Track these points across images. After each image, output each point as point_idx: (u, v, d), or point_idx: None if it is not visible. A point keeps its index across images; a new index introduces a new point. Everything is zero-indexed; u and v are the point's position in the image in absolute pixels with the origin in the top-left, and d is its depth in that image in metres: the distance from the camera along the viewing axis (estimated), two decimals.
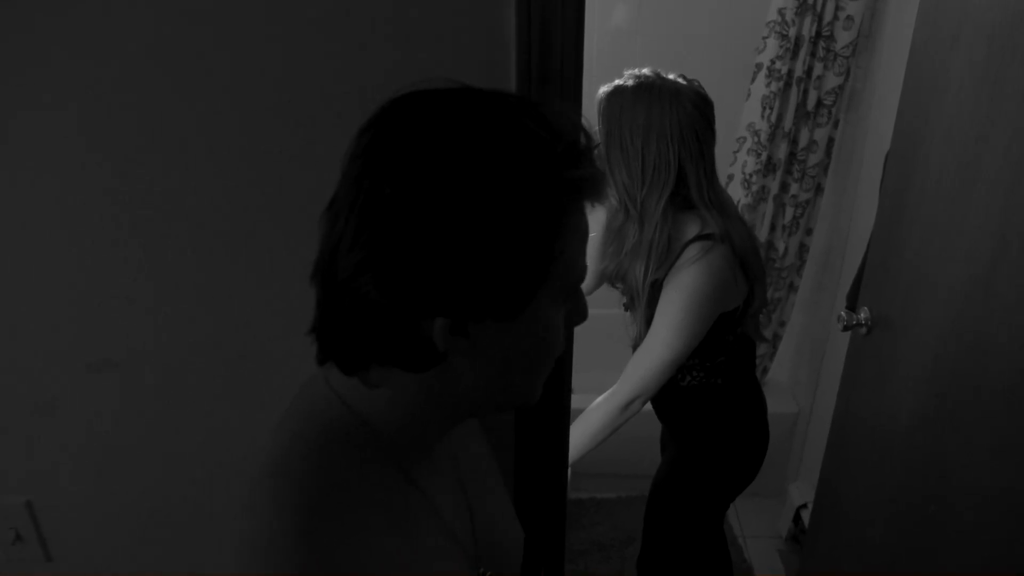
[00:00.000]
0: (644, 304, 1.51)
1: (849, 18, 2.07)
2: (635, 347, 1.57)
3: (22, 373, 1.01)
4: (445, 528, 0.70)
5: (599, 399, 1.55)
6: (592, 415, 1.54)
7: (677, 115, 1.40)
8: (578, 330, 1.01)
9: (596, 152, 0.61)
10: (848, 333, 1.63)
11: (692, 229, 1.47)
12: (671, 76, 1.45)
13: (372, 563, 0.60)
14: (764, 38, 2.16)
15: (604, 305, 1.86)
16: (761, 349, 2.50)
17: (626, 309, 1.64)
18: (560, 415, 1.04)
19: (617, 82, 1.45)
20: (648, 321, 1.50)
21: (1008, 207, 1.12)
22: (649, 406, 1.73)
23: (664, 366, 1.47)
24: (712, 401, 1.61)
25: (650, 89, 1.41)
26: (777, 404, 2.56)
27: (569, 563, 2.32)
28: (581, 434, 1.53)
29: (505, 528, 0.81)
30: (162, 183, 0.90)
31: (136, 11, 0.81)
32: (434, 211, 0.54)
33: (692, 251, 1.44)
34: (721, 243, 1.43)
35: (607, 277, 1.65)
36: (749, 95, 2.24)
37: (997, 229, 1.14)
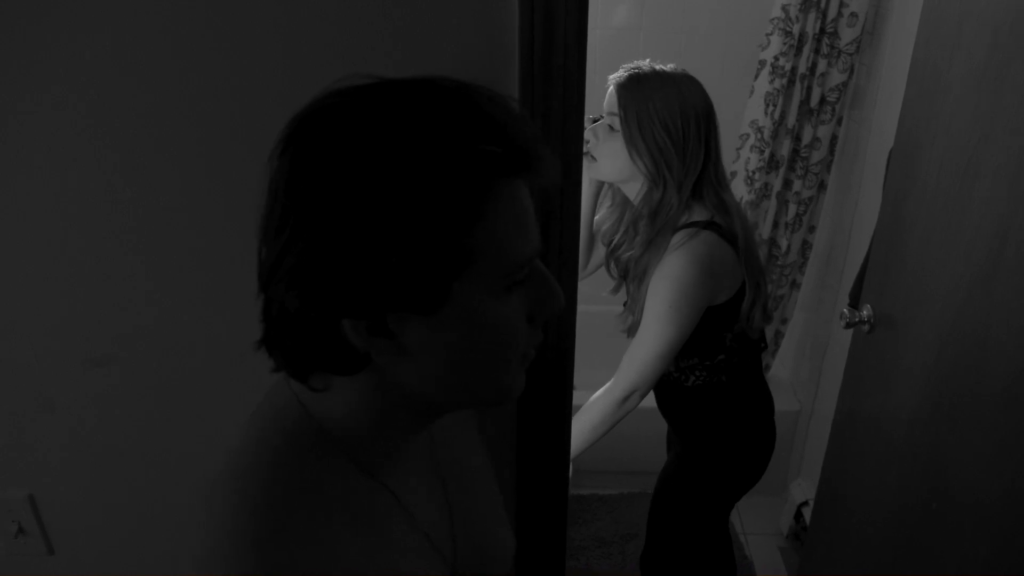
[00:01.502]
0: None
1: (853, 15, 2.06)
2: (629, 332, 1.58)
3: (23, 368, 1.02)
4: (417, 527, 0.69)
5: (596, 394, 1.55)
6: (590, 410, 1.54)
7: (702, 100, 1.44)
8: (580, 327, 1.02)
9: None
10: (850, 331, 1.63)
11: (684, 218, 1.48)
12: (668, 67, 1.48)
13: (334, 561, 0.60)
14: (768, 35, 2.15)
15: (606, 303, 1.86)
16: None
17: (624, 305, 1.65)
18: (562, 411, 1.04)
19: (630, 70, 1.47)
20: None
21: (1010, 205, 1.12)
22: (652, 403, 1.73)
23: (658, 358, 1.47)
24: (718, 400, 1.60)
25: (672, 75, 1.45)
26: (779, 402, 2.54)
27: (570, 559, 2.33)
28: (580, 430, 1.53)
29: (491, 532, 0.79)
30: (164, 181, 0.90)
31: (138, 14, 0.81)
32: (333, 202, 0.52)
33: (676, 239, 1.45)
34: (704, 230, 1.44)
35: (619, 266, 1.65)
36: (752, 92, 2.23)
37: (999, 227, 1.14)
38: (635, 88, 1.44)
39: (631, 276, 1.56)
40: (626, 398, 1.50)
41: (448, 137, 0.53)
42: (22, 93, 0.85)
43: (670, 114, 1.42)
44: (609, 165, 1.51)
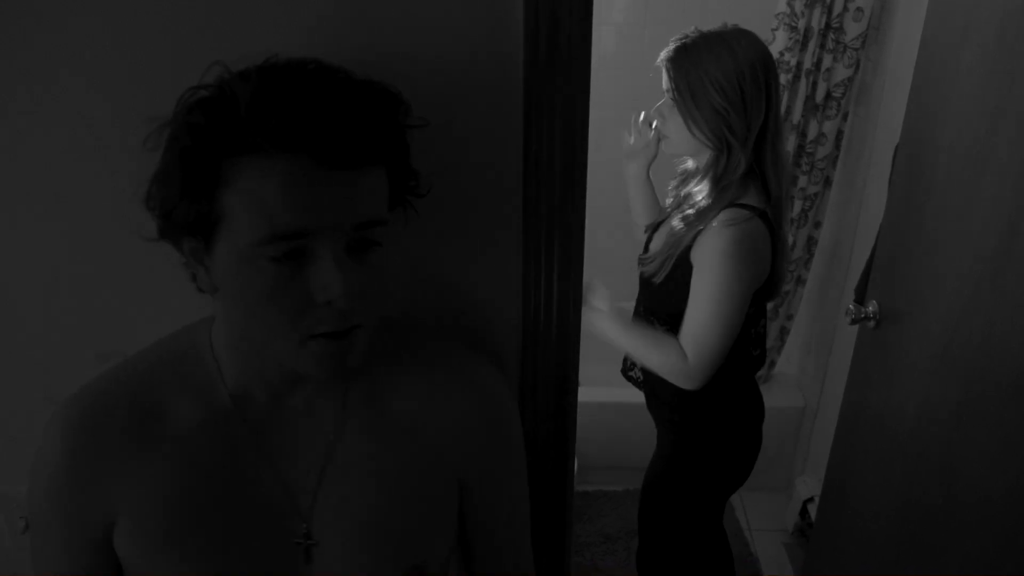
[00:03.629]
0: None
1: (859, 10, 2.06)
2: (643, 272, 1.58)
3: (30, 364, 1.02)
4: (270, 468, 0.77)
5: (672, 340, 1.48)
6: (661, 346, 1.48)
7: (756, 50, 1.45)
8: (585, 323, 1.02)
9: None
10: (856, 327, 1.63)
11: (736, 196, 1.46)
12: (717, 27, 1.49)
13: (180, 470, 0.74)
14: (773, 30, 2.15)
15: (609, 299, 1.86)
16: (768, 343, 2.49)
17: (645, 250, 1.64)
18: (566, 408, 1.04)
19: (677, 42, 1.48)
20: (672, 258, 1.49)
21: (1017, 199, 1.11)
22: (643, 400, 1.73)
23: (720, 338, 1.42)
24: (703, 398, 1.59)
25: (719, 34, 1.46)
26: (784, 398, 2.56)
27: (575, 555, 2.33)
28: (639, 343, 1.52)
29: (369, 520, 0.79)
30: None
31: (138, 13, 0.82)
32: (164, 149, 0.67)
33: (729, 215, 1.42)
34: (758, 218, 1.43)
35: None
36: None
37: (1006, 222, 1.14)
38: (683, 59, 1.45)
39: (668, 234, 1.54)
40: (690, 377, 1.45)
41: (200, 113, 0.64)
42: (24, 93, 0.85)
43: (724, 75, 1.41)
44: (680, 139, 1.52)
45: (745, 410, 1.65)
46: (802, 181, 2.29)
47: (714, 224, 1.42)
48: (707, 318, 1.43)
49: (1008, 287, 1.14)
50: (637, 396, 1.75)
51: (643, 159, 1.73)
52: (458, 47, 0.84)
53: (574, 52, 0.83)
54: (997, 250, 1.16)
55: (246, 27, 0.82)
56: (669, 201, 1.69)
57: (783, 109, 2.17)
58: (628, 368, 1.72)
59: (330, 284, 0.64)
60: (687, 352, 1.45)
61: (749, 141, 1.44)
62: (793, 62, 2.13)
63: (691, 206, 1.51)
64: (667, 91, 1.50)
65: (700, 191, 1.51)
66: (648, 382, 1.67)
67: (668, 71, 1.47)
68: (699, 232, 1.44)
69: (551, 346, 0.99)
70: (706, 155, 1.51)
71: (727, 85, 1.41)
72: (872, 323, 1.54)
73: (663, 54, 1.49)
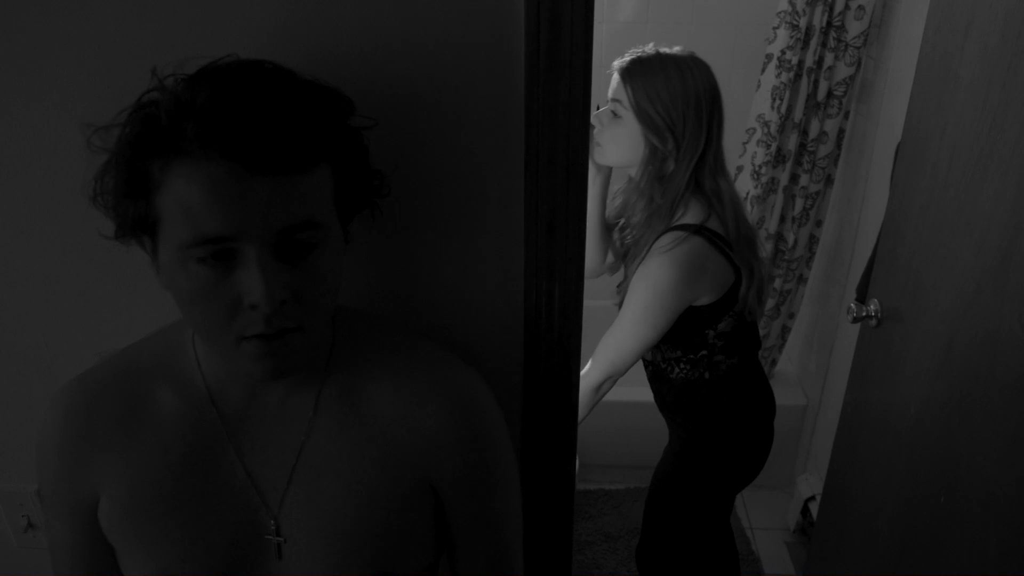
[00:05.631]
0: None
1: (860, 8, 2.05)
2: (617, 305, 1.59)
3: (33, 362, 1.02)
4: (241, 466, 0.78)
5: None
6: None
7: (707, 82, 1.44)
8: (586, 322, 1.02)
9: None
10: (858, 325, 1.63)
11: (676, 217, 1.47)
12: (675, 50, 1.48)
13: (151, 457, 0.76)
14: (774, 28, 2.14)
15: (612, 297, 1.86)
16: (769, 341, 2.49)
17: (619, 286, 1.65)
18: (567, 406, 1.04)
19: (633, 55, 1.48)
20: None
21: (1020, 197, 1.11)
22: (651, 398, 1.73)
23: (630, 352, 1.50)
24: (701, 396, 1.59)
25: (674, 57, 1.45)
26: (786, 396, 2.56)
27: (577, 553, 2.33)
28: None
29: (336, 518, 0.78)
30: None
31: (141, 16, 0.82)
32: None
33: (664, 241, 1.44)
34: (695, 235, 1.43)
35: (623, 247, 1.65)
36: (759, 86, 2.23)
37: (1009, 220, 1.14)
38: (637, 72, 1.44)
39: (630, 256, 1.57)
40: (600, 385, 1.53)
41: (131, 117, 0.66)
42: (25, 93, 0.86)
43: (670, 96, 1.42)
44: (613, 151, 1.52)
45: (753, 407, 1.65)
46: (804, 179, 2.29)
47: (651, 252, 1.45)
48: (622, 334, 1.50)
49: (1013, 282, 1.13)
50: (638, 395, 1.75)
51: (602, 172, 1.64)
52: (458, 47, 0.84)
53: (574, 52, 0.83)
54: (1000, 248, 1.16)
55: (246, 24, 0.82)
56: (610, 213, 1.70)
57: (784, 106, 2.17)
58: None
59: (252, 289, 0.64)
60: (596, 356, 1.53)
61: (680, 167, 1.45)
62: (794, 60, 2.13)
63: (632, 230, 1.53)
64: (611, 100, 1.50)
65: (638, 208, 1.53)
66: (653, 388, 1.68)
67: (620, 80, 1.47)
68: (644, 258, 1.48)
69: (552, 345, 0.99)
70: (634, 169, 1.52)
71: (671, 107, 1.42)
72: (874, 321, 1.54)
73: (617, 63, 1.49)
